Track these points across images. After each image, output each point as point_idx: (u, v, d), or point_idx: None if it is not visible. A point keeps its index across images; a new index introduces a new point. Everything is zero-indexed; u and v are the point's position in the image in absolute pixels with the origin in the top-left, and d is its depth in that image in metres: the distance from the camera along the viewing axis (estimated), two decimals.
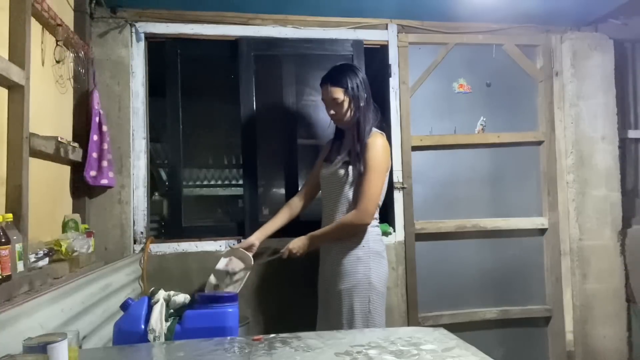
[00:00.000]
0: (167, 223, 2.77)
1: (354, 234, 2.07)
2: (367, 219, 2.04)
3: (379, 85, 2.75)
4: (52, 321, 1.38)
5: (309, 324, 2.19)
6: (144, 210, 2.52)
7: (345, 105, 2.09)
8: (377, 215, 2.14)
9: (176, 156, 2.65)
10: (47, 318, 1.35)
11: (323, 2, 2.57)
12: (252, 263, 2.13)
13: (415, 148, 2.78)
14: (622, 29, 2.99)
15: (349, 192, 2.09)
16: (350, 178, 2.08)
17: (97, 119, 2.25)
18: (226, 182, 3.66)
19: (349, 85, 2.08)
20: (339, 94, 2.08)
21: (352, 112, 2.10)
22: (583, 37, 2.93)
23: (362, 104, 2.09)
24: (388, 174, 2.13)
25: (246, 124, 2.65)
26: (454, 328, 1.77)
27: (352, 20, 2.76)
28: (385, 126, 2.32)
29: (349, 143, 2.13)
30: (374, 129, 2.12)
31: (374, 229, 2.12)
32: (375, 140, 2.06)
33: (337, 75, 2.12)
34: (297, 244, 2.11)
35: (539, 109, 2.98)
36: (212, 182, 3.64)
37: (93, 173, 2.22)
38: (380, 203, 2.14)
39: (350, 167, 2.07)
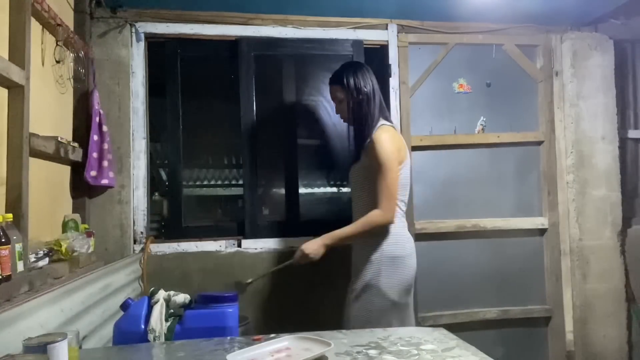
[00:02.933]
0: (167, 223, 2.77)
1: (379, 232, 1.96)
2: (389, 217, 1.94)
3: (379, 86, 2.75)
4: (52, 321, 1.38)
5: (310, 324, 2.18)
6: (144, 210, 2.52)
7: (346, 102, 2.08)
8: (403, 217, 2.04)
9: (176, 156, 2.65)
10: (47, 318, 1.35)
11: (323, 2, 2.57)
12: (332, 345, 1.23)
13: (415, 148, 2.78)
14: (622, 29, 2.99)
15: (367, 190, 2.01)
16: (363, 175, 2.03)
17: (97, 119, 2.26)
18: (226, 182, 3.66)
19: (346, 81, 2.06)
20: (338, 92, 2.10)
21: (353, 109, 2.06)
22: (583, 37, 2.93)
23: (362, 98, 2.04)
24: (403, 166, 2.01)
25: (246, 124, 2.65)
26: (454, 328, 1.76)
27: (352, 20, 2.76)
28: None
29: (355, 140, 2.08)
30: (383, 122, 2.03)
31: (398, 231, 2.00)
32: (380, 135, 1.97)
33: (336, 73, 2.13)
34: (311, 247, 1.96)
35: (539, 109, 2.98)
36: (212, 182, 3.64)
37: (93, 173, 2.22)
38: (404, 199, 2.04)
39: (361, 165, 2.04)
